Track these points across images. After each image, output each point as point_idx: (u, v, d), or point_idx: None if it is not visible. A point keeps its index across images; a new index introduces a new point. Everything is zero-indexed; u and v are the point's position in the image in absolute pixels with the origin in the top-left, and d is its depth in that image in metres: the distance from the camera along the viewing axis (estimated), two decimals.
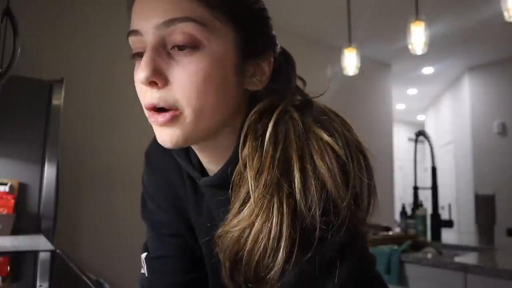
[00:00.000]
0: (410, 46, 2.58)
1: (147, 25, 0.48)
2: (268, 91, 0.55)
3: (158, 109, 0.49)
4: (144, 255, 0.68)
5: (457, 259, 1.74)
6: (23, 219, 2.00)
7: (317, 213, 0.45)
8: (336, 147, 0.47)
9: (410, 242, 2.01)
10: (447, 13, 3.65)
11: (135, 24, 0.50)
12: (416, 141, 2.56)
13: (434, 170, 2.40)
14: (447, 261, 1.69)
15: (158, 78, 0.48)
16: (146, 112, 0.51)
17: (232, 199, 0.51)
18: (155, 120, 0.50)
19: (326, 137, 0.48)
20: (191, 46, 0.48)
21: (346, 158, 0.47)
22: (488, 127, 4.96)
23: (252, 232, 0.47)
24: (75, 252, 2.49)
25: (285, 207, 0.46)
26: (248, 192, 0.49)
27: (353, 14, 3.02)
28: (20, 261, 1.45)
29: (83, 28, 2.86)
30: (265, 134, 0.50)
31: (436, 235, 2.27)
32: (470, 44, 4.43)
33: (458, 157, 5.64)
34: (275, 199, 0.46)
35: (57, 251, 1.53)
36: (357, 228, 0.48)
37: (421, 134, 2.52)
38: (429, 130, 6.74)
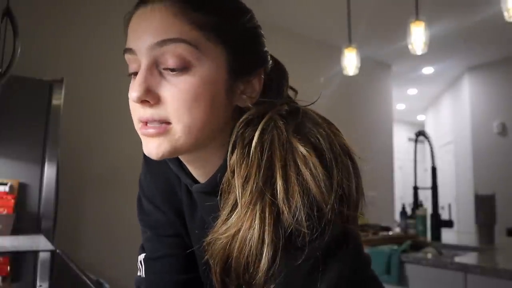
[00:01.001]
0: (410, 46, 2.58)
1: (141, 45, 0.50)
2: (257, 104, 0.55)
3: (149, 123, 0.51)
4: (141, 256, 0.68)
5: (457, 259, 1.74)
6: (23, 219, 2.00)
7: (302, 219, 0.46)
8: (313, 159, 0.48)
9: (410, 242, 2.01)
10: (447, 13, 3.65)
11: (130, 43, 0.52)
12: (416, 141, 2.56)
13: (434, 170, 2.40)
14: (447, 261, 1.69)
15: (150, 97, 0.49)
16: (137, 124, 0.53)
17: (221, 205, 0.52)
18: (145, 132, 0.51)
19: (302, 149, 0.48)
20: (181, 68, 0.49)
21: (330, 163, 0.48)
22: (488, 127, 4.96)
23: (238, 239, 0.48)
24: (75, 252, 2.49)
25: (267, 214, 0.47)
26: (236, 199, 0.49)
27: (353, 14, 3.01)
28: (20, 261, 1.45)
29: (84, 28, 2.86)
30: (252, 142, 0.51)
31: (436, 235, 2.27)
32: (470, 44, 4.43)
33: (458, 157, 5.64)
34: (258, 207, 0.47)
35: (57, 251, 1.53)
36: (347, 229, 0.49)
37: (421, 134, 2.52)
38: (429, 130, 6.73)
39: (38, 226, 2.06)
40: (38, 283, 1.08)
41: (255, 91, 0.55)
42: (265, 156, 0.49)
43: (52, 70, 2.48)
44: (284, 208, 0.46)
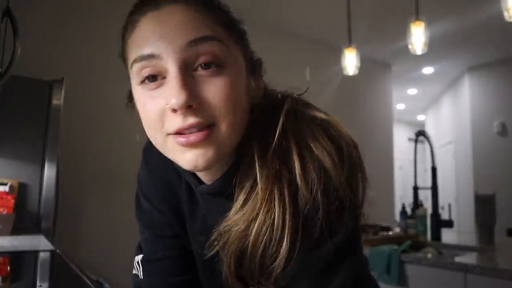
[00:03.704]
0: (410, 46, 2.58)
1: (169, 48, 0.46)
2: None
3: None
4: (139, 257, 0.67)
5: (457, 259, 1.74)
6: (23, 219, 2.00)
7: (319, 194, 0.46)
8: (333, 123, 0.51)
9: (410, 242, 2.01)
10: (447, 13, 3.65)
11: (151, 47, 0.46)
12: (416, 141, 2.56)
13: (434, 170, 2.40)
14: (447, 261, 1.69)
15: (194, 101, 0.46)
16: (162, 137, 0.48)
17: (235, 195, 0.52)
18: (185, 141, 0.46)
19: (322, 115, 0.51)
20: (217, 64, 0.47)
21: (339, 141, 0.50)
22: (488, 127, 4.96)
23: (256, 224, 0.48)
24: (75, 252, 2.49)
25: (286, 195, 0.47)
26: (251, 187, 0.50)
27: (353, 14, 3.01)
28: (20, 261, 1.44)
29: (83, 28, 2.86)
30: (270, 128, 0.51)
31: (436, 235, 2.27)
32: (470, 44, 4.43)
33: (458, 157, 5.64)
34: (276, 189, 0.47)
35: (57, 251, 1.53)
36: (357, 227, 0.50)
37: (421, 134, 2.52)
38: (429, 130, 6.73)
39: (38, 226, 2.06)
40: (38, 283, 1.08)
41: (261, 88, 0.56)
42: (281, 137, 0.50)
43: (52, 70, 2.48)
44: (302, 185, 0.47)
